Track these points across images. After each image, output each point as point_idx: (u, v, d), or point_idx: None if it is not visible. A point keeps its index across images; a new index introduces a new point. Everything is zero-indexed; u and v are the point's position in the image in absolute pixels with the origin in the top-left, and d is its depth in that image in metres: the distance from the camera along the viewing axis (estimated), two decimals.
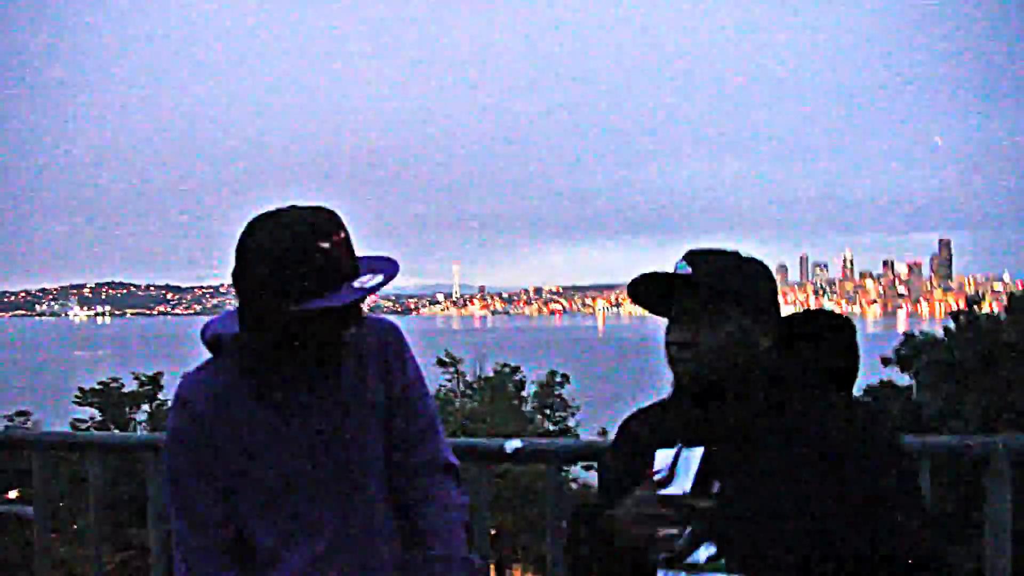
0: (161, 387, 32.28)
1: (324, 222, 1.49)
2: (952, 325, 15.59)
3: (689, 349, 1.55)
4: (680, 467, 1.55)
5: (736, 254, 1.62)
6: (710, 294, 1.55)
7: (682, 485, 1.53)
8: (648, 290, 1.64)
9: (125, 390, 31.68)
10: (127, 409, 30.57)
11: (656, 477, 1.54)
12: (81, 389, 32.00)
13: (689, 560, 1.49)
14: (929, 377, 15.01)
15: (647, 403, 1.78)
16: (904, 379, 16.79)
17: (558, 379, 29.63)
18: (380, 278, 1.52)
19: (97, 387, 31.54)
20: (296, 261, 1.46)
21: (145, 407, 31.33)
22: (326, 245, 1.46)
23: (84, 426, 27.49)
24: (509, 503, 20.13)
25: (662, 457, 1.59)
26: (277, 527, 1.66)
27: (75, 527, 19.20)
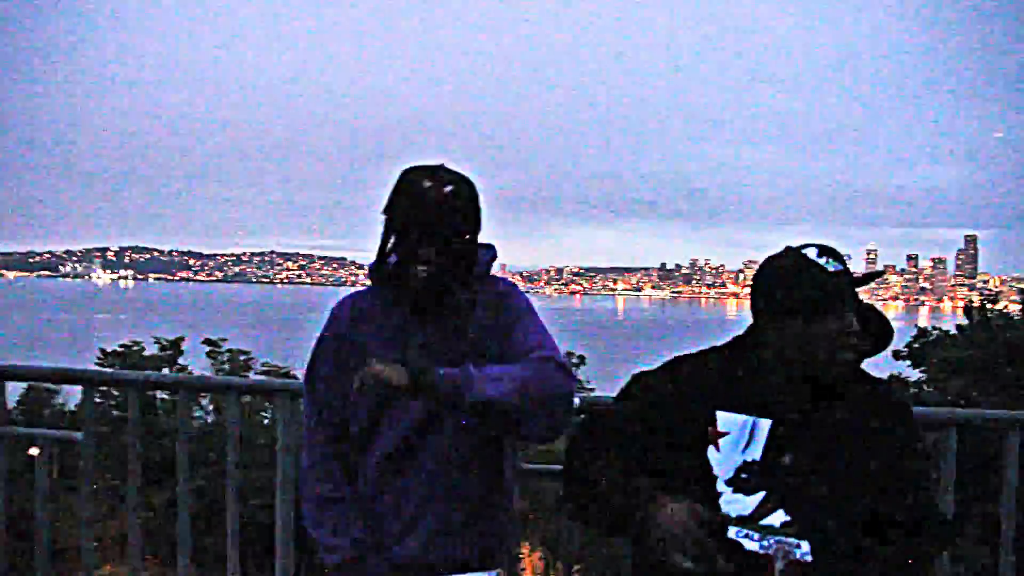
0: (181, 351, 32.76)
1: (443, 179, 1.90)
2: (965, 322, 15.63)
3: (855, 336, 1.69)
4: (754, 436, 1.71)
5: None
6: (858, 285, 1.72)
7: (752, 454, 1.70)
8: (813, 290, 1.70)
9: (146, 353, 32.15)
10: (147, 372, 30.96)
11: (722, 439, 1.71)
12: (103, 351, 32.44)
13: (764, 523, 1.65)
14: (939, 373, 15.06)
15: (695, 351, 1.89)
16: (916, 374, 16.86)
17: (574, 360, 29.81)
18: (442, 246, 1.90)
19: (119, 349, 32.00)
20: (408, 194, 1.89)
21: (165, 370, 31.76)
22: (431, 191, 1.87)
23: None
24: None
25: (726, 420, 1.72)
26: (373, 418, 2.00)
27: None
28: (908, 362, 16.71)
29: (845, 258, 1.74)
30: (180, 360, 32.93)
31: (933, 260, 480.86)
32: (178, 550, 2.91)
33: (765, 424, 1.71)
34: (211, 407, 26.67)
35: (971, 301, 16.45)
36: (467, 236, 1.94)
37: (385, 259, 1.99)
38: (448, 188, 1.89)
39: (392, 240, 1.96)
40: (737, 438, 1.71)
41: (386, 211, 1.94)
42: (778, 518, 1.65)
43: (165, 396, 22.31)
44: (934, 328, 16.80)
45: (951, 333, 15.97)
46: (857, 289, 1.74)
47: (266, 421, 22.47)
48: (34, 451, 3.03)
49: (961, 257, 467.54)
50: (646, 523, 1.60)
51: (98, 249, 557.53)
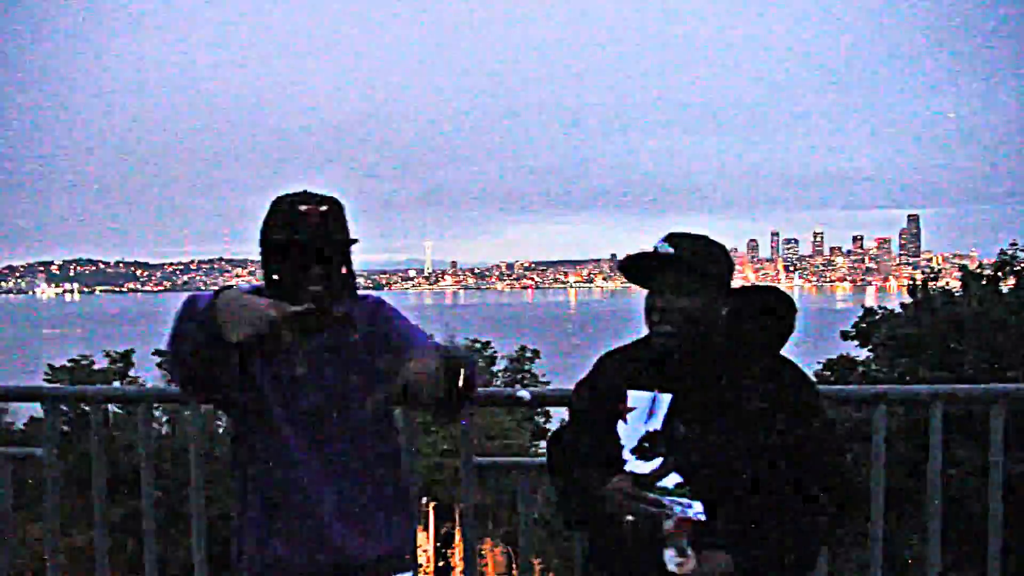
0: (132, 364, 32.20)
1: (316, 200, 1.99)
2: (909, 300, 15.92)
3: (670, 315, 1.89)
4: (655, 408, 1.92)
5: (707, 238, 1.96)
6: (689, 271, 1.90)
7: (653, 425, 1.90)
8: (636, 266, 1.96)
9: (96, 367, 31.58)
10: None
11: (630, 413, 1.93)
12: (51, 366, 31.81)
13: (660, 484, 1.85)
14: (885, 351, 15.33)
15: (619, 345, 2.13)
16: (863, 353, 17.16)
17: (528, 354, 29.84)
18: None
19: (67, 364, 31.41)
20: (286, 219, 1.97)
21: (116, 383, 31.21)
22: (308, 214, 1.97)
23: None
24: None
25: (634, 397, 1.95)
26: (288, 431, 2.02)
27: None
28: (856, 342, 17.01)
29: (683, 244, 1.91)
30: (131, 372, 32.44)
31: (878, 240, 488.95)
32: (146, 563, 2.92)
33: (666, 398, 1.92)
34: (164, 419, 26.32)
35: (914, 279, 16.72)
36: (346, 251, 2.06)
37: (272, 285, 2.03)
38: (323, 208, 1.99)
39: (274, 266, 2.01)
40: (642, 411, 1.93)
41: (263, 239, 2.01)
42: (672, 480, 1.84)
43: (117, 410, 21.94)
44: (880, 307, 17.12)
45: (895, 312, 16.26)
46: (689, 275, 1.90)
47: (220, 430, 22.24)
48: None
49: (905, 236, 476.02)
50: (602, 500, 1.87)
51: (41, 263, 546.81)
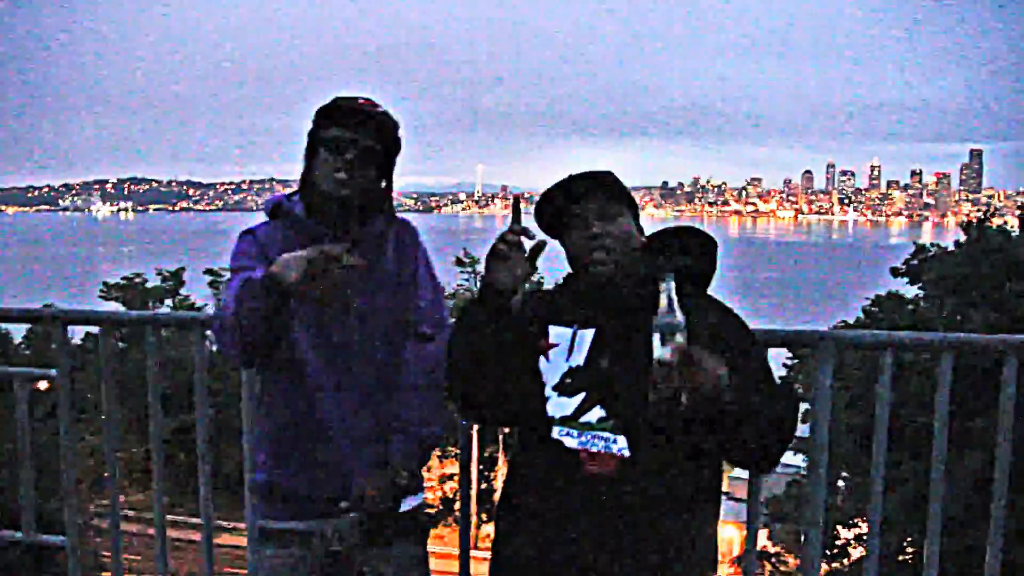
0: (183, 283, 32.74)
1: (358, 100, 1.98)
2: (963, 238, 15.50)
3: (605, 240, 1.85)
4: (576, 344, 1.88)
5: (612, 172, 1.92)
6: (613, 196, 1.88)
7: (575, 361, 1.87)
8: (552, 205, 1.92)
9: (148, 285, 32.22)
10: (150, 304, 31.18)
11: (552, 350, 1.90)
12: (105, 284, 32.56)
13: (583, 420, 1.83)
14: (936, 290, 15.01)
15: (545, 288, 2.03)
16: (913, 291, 16.84)
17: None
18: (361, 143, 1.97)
19: (121, 282, 32.09)
20: (338, 106, 1.96)
21: (168, 302, 31.88)
22: (361, 100, 1.98)
23: None
24: None
25: (555, 333, 1.91)
26: (311, 348, 2.02)
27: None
28: (906, 279, 16.70)
29: (588, 176, 1.88)
30: (182, 291, 32.93)
31: (938, 175, 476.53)
32: (200, 474, 2.93)
33: (588, 333, 1.88)
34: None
35: (971, 216, 16.26)
36: (388, 153, 2.03)
37: (308, 185, 2.02)
38: (376, 105, 1.99)
39: (314, 160, 1.99)
40: (563, 348, 1.89)
41: (312, 132, 1.99)
42: (595, 415, 1.82)
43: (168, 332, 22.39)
44: (932, 244, 16.71)
45: (949, 250, 15.86)
46: (617, 197, 1.88)
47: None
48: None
49: (966, 172, 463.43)
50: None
51: (97, 181, 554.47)
